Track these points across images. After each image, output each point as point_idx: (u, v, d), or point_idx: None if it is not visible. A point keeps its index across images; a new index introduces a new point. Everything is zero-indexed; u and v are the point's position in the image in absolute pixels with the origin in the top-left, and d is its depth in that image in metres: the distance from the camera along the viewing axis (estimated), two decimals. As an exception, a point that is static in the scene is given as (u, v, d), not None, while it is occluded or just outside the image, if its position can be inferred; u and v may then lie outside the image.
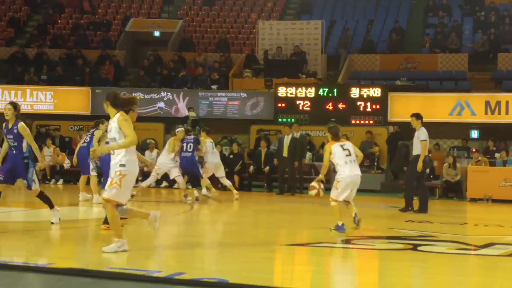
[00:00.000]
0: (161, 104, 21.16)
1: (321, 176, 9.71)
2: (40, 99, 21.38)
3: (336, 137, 9.72)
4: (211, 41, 25.73)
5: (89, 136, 13.14)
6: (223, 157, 18.82)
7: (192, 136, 14.49)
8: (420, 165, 12.44)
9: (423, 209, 12.75)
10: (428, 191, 13.49)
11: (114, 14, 27.43)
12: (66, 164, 19.18)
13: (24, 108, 21.28)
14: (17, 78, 22.56)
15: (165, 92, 21.31)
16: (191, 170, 14.29)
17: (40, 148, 19.95)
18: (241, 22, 26.85)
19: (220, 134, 20.88)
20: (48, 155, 19.84)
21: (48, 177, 19.65)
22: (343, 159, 9.53)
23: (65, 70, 22.98)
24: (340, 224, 9.38)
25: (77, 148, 13.80)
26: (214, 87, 21.89)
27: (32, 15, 27.48)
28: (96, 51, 24.20)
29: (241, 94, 21.23)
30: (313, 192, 9.74)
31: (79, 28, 25.76)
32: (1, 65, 23.80)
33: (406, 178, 13.34)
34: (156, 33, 25.33)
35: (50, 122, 21.41)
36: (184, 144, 14.15)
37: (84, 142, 13.17)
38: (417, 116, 12.83)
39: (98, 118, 20.45)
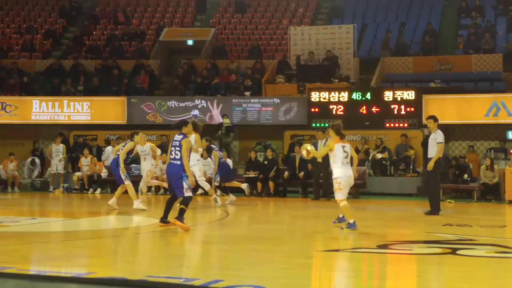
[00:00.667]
0: (196, 112, 21.35)
1: (312, 151, 10.54)
2: (77, 110, 21.75)
3: (339, 135, 10.34)
4: (244, 48, 25.88)
5: (122, 147, 13.56)
6: (257, 163, 18.95)
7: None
8: (431, 165, 12.61)
9: (434, 210, 12.71)
10: (440, 192, 13.48)
11: (148, 24, 27.78)
12: (104, 173, 19.51)
13: (62, 119, 21.81)
14: (55, 89, 22.98)
15: (199, 100, 21.50)
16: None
17: (78, 158, 20.48)
18: (273, 29, 26.94)
19: (254, 140, 21.01)
20: (85, 165, 20.19)
21: (86, 187, 19.97)
22: (341, 160, 10.17)
23: (101, 80, 23.35)
24: (351, 221, 10.15)
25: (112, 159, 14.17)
26: (247, 93, 22.00)
27: (67, 27, 27.99)
28: (131, 61, 24.54)
29: (274, 100, 21.30)
30: (304, 152, 10.66)
31: (114, 39, 26.15)
32: (38, 77, 24.28)
33: (430, 182, 13.22)
34: (189, 42, 25.58)
35: (87, 132, 21.78)
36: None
37: (117, 153, 13.57)
38: (434, 118, 12.99)
39: (135, 127, 20.98)
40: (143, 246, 9.40)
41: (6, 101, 21.89)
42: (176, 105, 21.52)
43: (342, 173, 10.15)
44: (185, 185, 10.09)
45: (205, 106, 21.37)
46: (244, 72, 23.48)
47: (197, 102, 21.47)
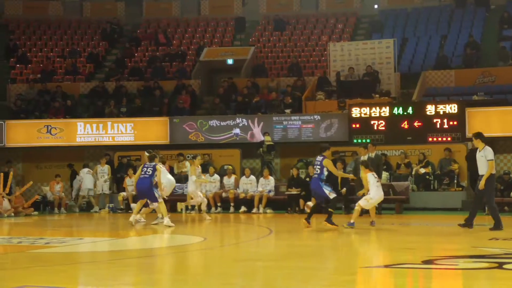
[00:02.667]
0: (237, 131, 21.50)
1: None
2: (120, 131, 22.12)
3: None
4: (283, 65, 26.01)
5: (151, 168, 14.54)
6: (299, 180, 18.95)
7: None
8: (482, 184, 12.51)
9: (498, 225, 12.60)
10: (496, 207, 13.21)
11: (188, 44, 28.17)
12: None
13: (106, 140, 22.20)
14: (98, 111, 23.44)
15: (240, 118, 21.65)
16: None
17: (122, 179, 20.81)
18: (312, 45, 27.01)
19: (295, 157, 21.01)
20: (130, 185, 20.44)
21: (131, 207, 20.21)
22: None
23: (143, 101, 23.72)
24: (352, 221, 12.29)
25: (136, 180, 14.93)
26: (287, 111, 22.07)
27: (110, 50, 28.57)
28: (172, 81, 24.90)
29: (315, 116, 21.30)
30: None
31: (156, 60, 26.58)
32: (82, 99, 24.81)
33: (487, 199, 13.01)
34: (229, 61, 25.83)
35: (131, 152, 22.11)
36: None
37: (146, 173, 14.53)
38: (481, 137, 12.88)
39: (177, 147, 21.25)
40: (188, 264, 9.48)
41: (52, 124, 22.41)
42: (218, 124, 21.71)
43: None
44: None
45: (246, 124, 21.50)
46: (284, 90, 23.57)
47: (238, 120, 21.62)
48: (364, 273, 8.26)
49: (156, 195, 14.45)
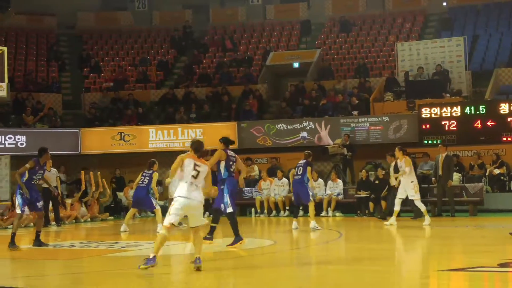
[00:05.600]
0: (304, 134, 21.51)
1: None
2: (190, 136, 22.48)
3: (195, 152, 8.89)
4: (350, 67, 25.83)
5: (148, 178, 15.03)
6: (368, 183, 18.77)
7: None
8: None
9: None
10: None
11: (254, 49, 28.38)
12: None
13: (177, 146, 22.63)
14: (169, 118, 23.93)
15: (307, 122, 21.64)
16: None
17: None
18: (379, 46, 26.72)
19: (363, 160, 20.80)
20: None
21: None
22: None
23: (212, 107, 24.05)
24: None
25: (135, 187, 15.46)
26: (355, 113, 21.91)
27: (178, 57, 29.10)
28: (239, 86, 25.14)
29: (383, 118, 21.06)
30: None
31: (223, 66, 26.91)
32: (153, 106, 25.37)
33: None
34: (296, 64, 25.86)
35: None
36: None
37: (143, 183, 15.03)
38: None
39: (245, 151, 21.43)
40: (259, 267, 9.56)
41: (124, 131, 23.02)
42: (285, 128, 21.78)
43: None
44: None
45: (313, 127, 21.47)
46: (351, 92, 23.40)
47: (305, 124, 21.63)
48: (438, 276, 8.13)
49: (154, 202, 15.00)
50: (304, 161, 14.77)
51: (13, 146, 21.60)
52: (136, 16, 31.03)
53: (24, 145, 21.80)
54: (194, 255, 8.56)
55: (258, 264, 10.08)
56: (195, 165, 8.75)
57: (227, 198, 11.21)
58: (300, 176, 14.63)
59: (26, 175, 11.93)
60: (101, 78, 27.18)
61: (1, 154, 20.54)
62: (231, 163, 11.47)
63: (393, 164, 16.04)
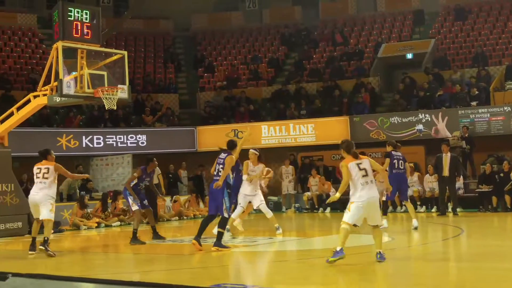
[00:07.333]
0: (420, 127, 20.90)
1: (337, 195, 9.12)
2: (302, 132, 22.52)
3: (350, 153, 9.02)
4: (467, 56, 24.81)
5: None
6: (491, 177, 17.92)
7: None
8: None
9: None
10: None
11: (365, 42, 27.93)
12: (331, 193, 19.90)
13: (289, 141, 22.72)
14: (281, 114, 24.07)
15: (423, 114, 21.02)
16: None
17: (307, 179, 21.14)
18: (498, 33, 25.47)
19: (485, 153, 19.92)
20: (314, 184, 20.80)
21: (316, 206, 20.52)
22: (359, 180, 8.71)
23: (323, 102, 23.93)
24: (338, 249, 8.67)
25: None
26: (474, 103, 21.02)
27: (289, 54, 29.19)
28: (351, 80, 24.84)
29: (505, 108, 20.06)
30: None
31: (334, 60, 26.70)
32: (265, 103, 25.62)
33: None
34: (409, 55, 25.20)
35: (313, 153, 22.42)
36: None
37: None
38: None
39: (358, 146, 21.05)
40: (377, 264, 9.39)
41: (238, 128, 23.38)
42: (399, 121, 21.27)
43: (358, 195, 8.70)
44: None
45: (429, 120, 20.82)
46: (469, 82, 22.48)
47: (420, 116, 21.01)
48: None
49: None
50: (400, 153, 13.77)
51: (135, 145, 22.58)
52: (246, 15, 31.46)
53: (145, 144, 22.74)
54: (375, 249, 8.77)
55: (370, 259, 9.90)
56: (357, 165, 8.86)
57: (228, 203, 10.74)
58: (403, 170, 13.56)
59: (134, 182, 12.65)
60: (215, 77, 27.78)
61: (124, 153, 21.51)
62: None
63: None
